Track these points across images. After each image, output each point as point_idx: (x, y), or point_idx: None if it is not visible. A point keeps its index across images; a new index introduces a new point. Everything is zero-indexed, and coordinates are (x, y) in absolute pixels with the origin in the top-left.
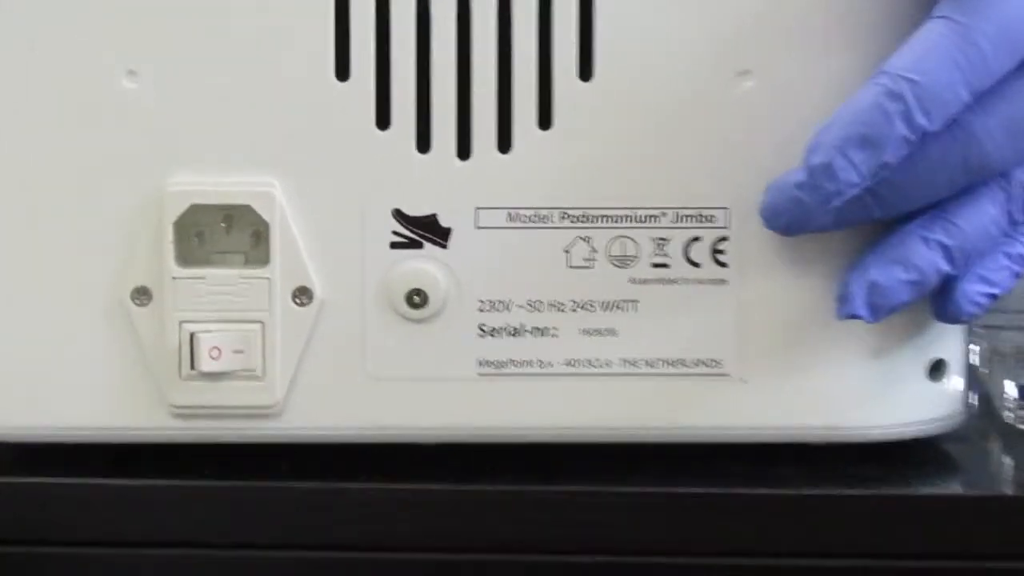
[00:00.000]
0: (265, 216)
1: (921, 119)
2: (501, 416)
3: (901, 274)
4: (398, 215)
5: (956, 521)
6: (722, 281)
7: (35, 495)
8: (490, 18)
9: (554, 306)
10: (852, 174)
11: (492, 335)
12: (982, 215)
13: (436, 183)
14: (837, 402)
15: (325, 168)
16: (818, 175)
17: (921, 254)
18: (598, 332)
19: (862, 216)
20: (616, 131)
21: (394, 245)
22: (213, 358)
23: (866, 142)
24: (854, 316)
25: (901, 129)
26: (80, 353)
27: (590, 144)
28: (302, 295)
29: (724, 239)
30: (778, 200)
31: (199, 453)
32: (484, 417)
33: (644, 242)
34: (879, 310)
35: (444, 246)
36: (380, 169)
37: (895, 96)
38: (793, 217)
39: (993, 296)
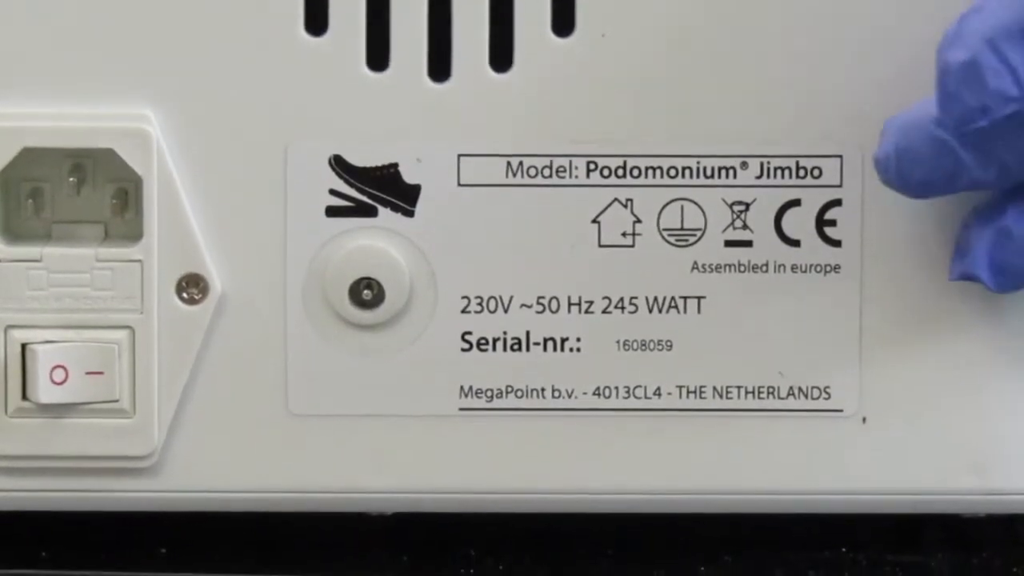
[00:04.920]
0: (136, 166)
1: None
2: (494, 474)
3: None
4: (339, 165)
5: None
6: (833, 268)
7: None
8: None
9: (577, 305)
10: (1008, 81)
11: (481, 349)
12: None
13: (397, 117)
14: (1007, 455)
15: (226, 94)
16: (956, 79)
17: None
18: (643, 345)
19: None
20: (670, 38)
21: (332, 211)
22: (56, 383)
23: None
24: (970, 278)
25: None
26: None
27: (630, 58)
28: (192, 287)
29: (836, 204)
30: (908, 144)
31: (33, 528)
32: (467, 475)
33: (714, 208)
34: (1008, 274)
35: (410, 213)
36: (311, 96)
37: None
38: (934, 170)
39: None
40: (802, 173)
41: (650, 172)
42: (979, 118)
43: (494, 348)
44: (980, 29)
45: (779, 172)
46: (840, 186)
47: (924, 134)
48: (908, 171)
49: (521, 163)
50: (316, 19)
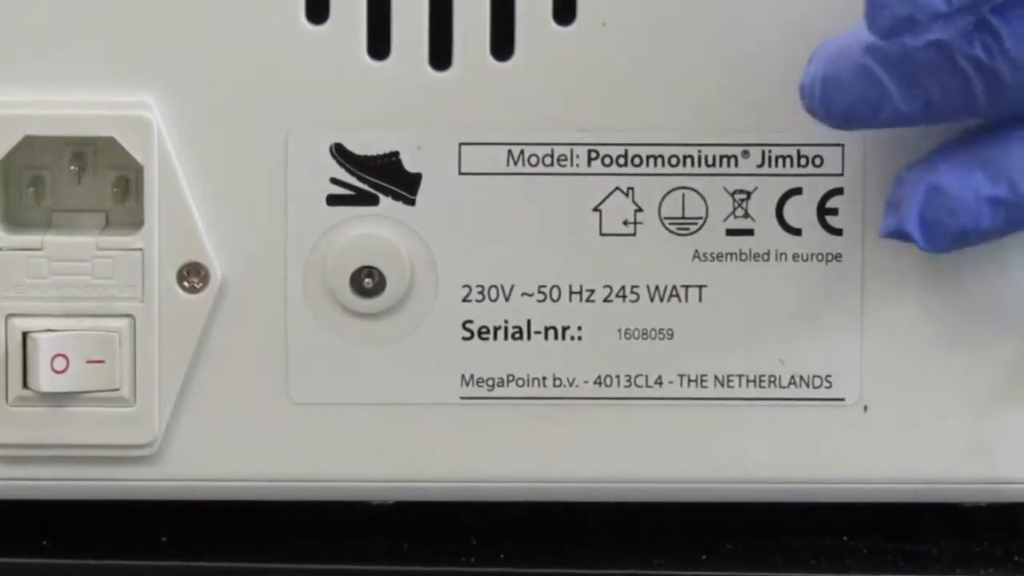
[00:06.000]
0: (137, 155)
1: None
2: (495, 462)
3: (984, 185)
4: (340, 153)
5: None
6: (835, 256)
7: None
8: None
9: (578, 294)
10: None
11: (482, 338)
12: None
13: (398, 105)
14: (1008, 443)
15: (228, 82)
16: None
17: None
18: (644, 334)
19: (962, 102)
20: (671, 26)
21: (333, 200)
22: (57, 371)
23: None
24: (900, 235)
25: None
26: None
27: (631, 47)
28: (193, 276)
29: (838, 192)
30: (835, 71)
31: (35, 517)
32: (468, 464)
33: (715, 196)
34: (938, 232)
35: (411, 201)
36: (312, 84)
37: None
38: (858, 98)
39: None
40: (803, 162)
41: (651, 160)
42: (905, 29)
43: (495, 337)
44: None
45: (780, 161)
46: (841, 175)
47: (851, 62)
48: (832, 98)
49: (522, 151)
50: (317, 7)
